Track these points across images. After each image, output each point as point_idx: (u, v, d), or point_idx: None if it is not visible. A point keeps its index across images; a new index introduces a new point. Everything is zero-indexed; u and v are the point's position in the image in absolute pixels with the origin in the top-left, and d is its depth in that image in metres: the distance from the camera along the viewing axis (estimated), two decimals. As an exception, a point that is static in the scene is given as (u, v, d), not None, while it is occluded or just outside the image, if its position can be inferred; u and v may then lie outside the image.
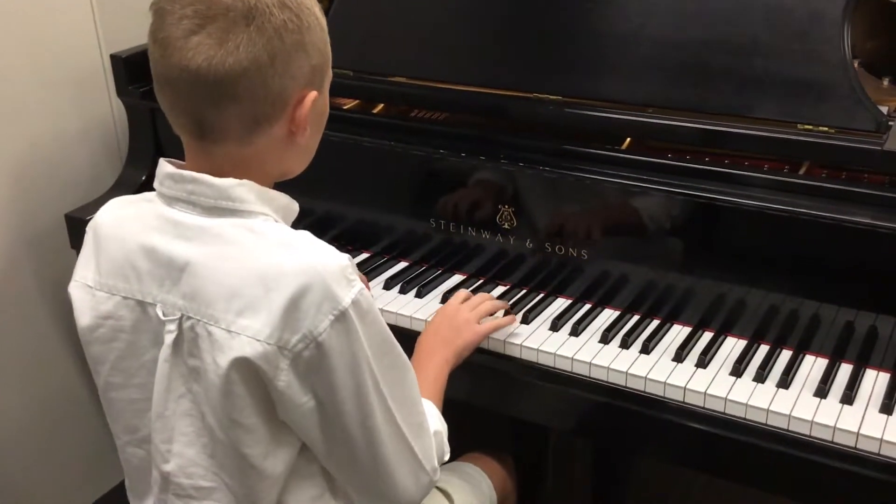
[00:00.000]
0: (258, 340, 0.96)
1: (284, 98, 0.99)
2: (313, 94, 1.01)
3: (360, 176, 1.70)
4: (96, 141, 2.05)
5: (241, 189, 1.00)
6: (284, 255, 0.98)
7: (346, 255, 0.99)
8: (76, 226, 1.85)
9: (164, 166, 1.04)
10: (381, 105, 1.77)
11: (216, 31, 0.95)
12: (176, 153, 1.07)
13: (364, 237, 1.72)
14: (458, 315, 1.39)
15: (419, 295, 1.58)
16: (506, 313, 1.46)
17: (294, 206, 1.08)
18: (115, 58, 1.86)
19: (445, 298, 1.55)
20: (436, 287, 1.60)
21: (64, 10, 1.92)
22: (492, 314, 1.44)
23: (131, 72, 1.85)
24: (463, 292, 1.47)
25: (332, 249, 1.00)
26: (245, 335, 0.97)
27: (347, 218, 1.73)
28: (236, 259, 0.98)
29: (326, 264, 0.97)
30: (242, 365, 0.97)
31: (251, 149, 1.01)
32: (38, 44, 1.88)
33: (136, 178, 1.90)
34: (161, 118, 1.87)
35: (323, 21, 1.04)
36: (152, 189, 1.07)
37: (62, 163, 1.97)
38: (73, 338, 2.03)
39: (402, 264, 1.68)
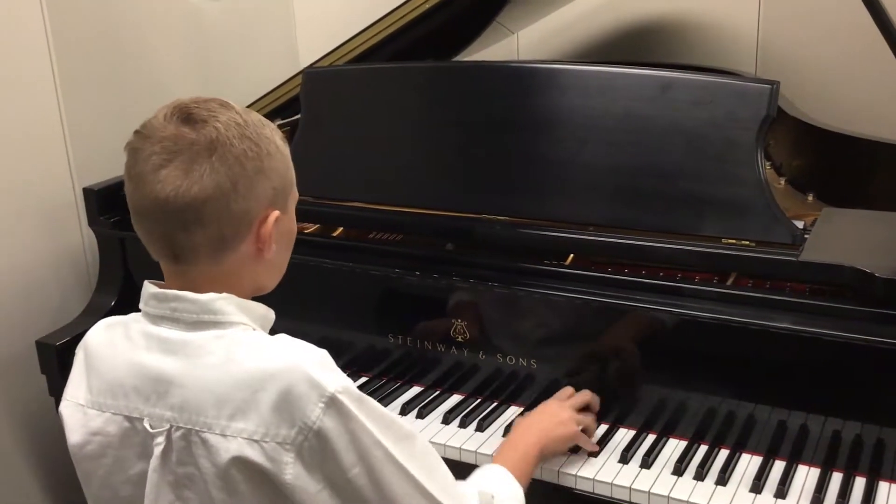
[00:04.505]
0: (255, 441, 1.03)
1: (249, 218, 1.09)
2: (276, 213, 1.11)
3: (322, 295, 1.79)
4: (67, 269, 2.13)
5: (222, 302, 1.09)
6: (265, 357, 1.06)
7: (323, 350, 1.07)
8: (46, 352, 1.90)
9: (149, 287, 1.13)
10: (341, 229, 1.88)
11: (182, 163, 1.05)
12: (143, 279, 1.16)
13: (326, 354, 1.80)
14: (562, 410, 1.47)
15: (379, 408, 1.65)
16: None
17: (270, 315, 1.17)
18: (87, 191, 1.96)
19: (404, 410, 1.63)
20: (395, 399, 1.68)
21: (40, 148, 2.04)
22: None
23: (102, 204, 1.95)
24: (568, 389, 1.54)
25: (308, 345, 1.08)
26: (241, 437, 1.03)
27: (310, 336, 1.75)
28: (220, 367, 1.06)
29: (305, 358, 1.05)
30: (243, 464, 1.03)
31: (223, 266, 1.10)
32: (13, 178, 1.98)
33: (106, 304, 1.97)
34: (130, 246, 2.01)
35: (283, 149, 1.14)
36: (121, 313, 1.15)
37: (34, 290, 2.05)
38: (44, 463, 2.06)
39: (363, 378, 1.75)
